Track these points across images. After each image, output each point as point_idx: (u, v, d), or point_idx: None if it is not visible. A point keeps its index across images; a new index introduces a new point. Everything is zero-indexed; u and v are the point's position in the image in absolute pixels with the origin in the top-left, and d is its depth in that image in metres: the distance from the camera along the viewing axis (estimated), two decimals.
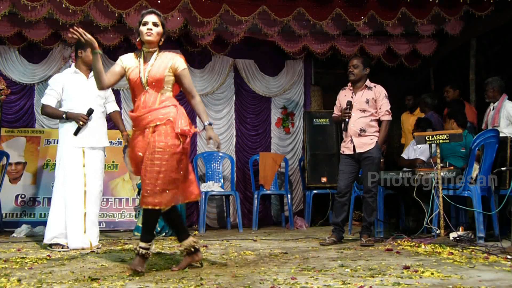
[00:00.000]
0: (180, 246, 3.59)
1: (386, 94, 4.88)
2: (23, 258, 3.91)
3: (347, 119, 4.82)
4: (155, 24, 3.42)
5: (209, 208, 6.93)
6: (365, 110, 4.80)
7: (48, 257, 3.98)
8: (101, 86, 3.46)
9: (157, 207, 3.25)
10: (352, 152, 4.82)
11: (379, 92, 4.84)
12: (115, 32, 6.33)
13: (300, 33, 6.53)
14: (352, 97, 4.89)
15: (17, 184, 6.40)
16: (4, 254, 4.17)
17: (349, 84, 4.98)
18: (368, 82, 4.91)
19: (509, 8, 5.88)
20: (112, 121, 5.11)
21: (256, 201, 6.62)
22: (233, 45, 6.81)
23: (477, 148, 4.87)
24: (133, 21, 5.80)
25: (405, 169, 5.45)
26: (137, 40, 3.48)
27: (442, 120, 6.12)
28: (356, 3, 6.18)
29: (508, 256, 3.72)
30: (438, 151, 4.77)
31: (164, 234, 5.71)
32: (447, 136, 4.71)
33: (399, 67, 7.31)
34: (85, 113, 4.59)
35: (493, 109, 5.61)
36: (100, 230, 4.84)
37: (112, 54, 6.89)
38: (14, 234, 5.74)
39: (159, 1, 5.76)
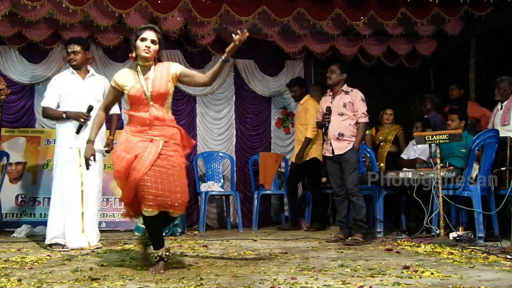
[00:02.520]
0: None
1: (363, 97, 5.09)
2: (23, 258, 3.91)
3: (327, 124, 5.08)
4: (153, 42, 3.42)
5: (209, 208, 6.93)
6: (343, 114, 5.06)
7: (48, 257, 3.99)
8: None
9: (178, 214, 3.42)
10: (332, 155, 5.08)
11: (355, 95, 5.08)
12: (115, 32, 6.33)
13: (300, 33, 6.53)
14: (331, 102, 5.14)
15: (17, 184, 6.39)
16: (4, 254, 4.18)
17: (329, 90, 5.23)
18: (345, 87, 5.14)
19: (509, 8, 5.88)
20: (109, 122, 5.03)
21: (256, 201, 6.62)
22: None
23: (476, 148, 4.87)
24: (133, 21, 5.79)
25: (405, 169, 5.45)
26: (131, 53, 3.47)
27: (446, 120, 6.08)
28: (356, 3, 6.18)
29: (508, 256, 3.72)
30: (438, 151, 4.78)
31: (164, 234, 5.71)
32: (447, 136, 4.72)
33: (399, 67, 7.31)
34: (84, 111, 4.59)
35: (501, 108, 5.59)
36: (100, 230, 4.83)
37: (112, 54, 6.89)
38: (14, 234, 5.74)
39: (159, 1, 5.75)
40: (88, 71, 4.82)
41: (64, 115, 4.62)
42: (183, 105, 7.18)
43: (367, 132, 6.66)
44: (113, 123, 4.98)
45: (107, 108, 3.62)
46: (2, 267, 3.48)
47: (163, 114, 3.39)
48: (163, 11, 5.78)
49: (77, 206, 4.53)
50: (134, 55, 3.46)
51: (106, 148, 4.83)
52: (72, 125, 4.62)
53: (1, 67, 6.65)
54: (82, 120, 4.56)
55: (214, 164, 7.04)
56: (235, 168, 7.08)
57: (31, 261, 3.78)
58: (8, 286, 2.82)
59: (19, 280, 2.97)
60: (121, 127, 5.79)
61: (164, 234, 5.63)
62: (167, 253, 3.37)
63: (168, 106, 3.45)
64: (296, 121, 6.71)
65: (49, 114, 4.76)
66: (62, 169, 4.58)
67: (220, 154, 7.14)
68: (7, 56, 6.66)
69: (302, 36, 6.70)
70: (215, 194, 6.77)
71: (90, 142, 3.56)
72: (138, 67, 3.45)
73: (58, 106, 4.75)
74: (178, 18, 6.03)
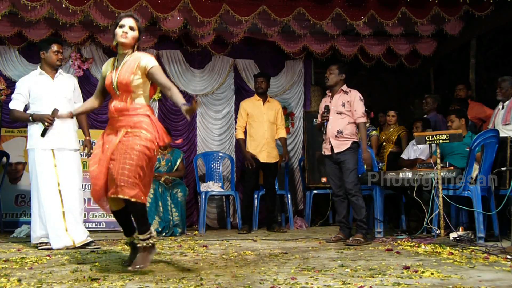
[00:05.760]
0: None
1: (361, 98, 5.11)
2: (23, 258, 3.91)
3: (325, 122, 5.11)
4: (131, 28, 3.38)
5: (209, 208, 6.92)
6: (341, 113, 5.09)
7: (48, 257, 3.98)
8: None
9: (140, 200, 3.21)
10: (330, 153, 5.09)
11: (353, 96, 5.11)
12: None
13: (300, 33, 6.53)
14: (330, 101, 5.18)
15: (17, 184, 6.40)
16: (4, 254, 4.18)
17: (328, 91, 5.27)
18: (344, 87, 5.16)
19: (509, 8, 5.87)
20: (78, 123, 4.91)
21: (256, 201, 6.60)
22: (233, 45, 6.81)
23: (477, 148, 4.87)
24: None
25: (405, 169, 5.45)
26: (114, 44, 3.44)
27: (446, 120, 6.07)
28: (356, 3, 6.18)
29: (508, 256, 3.72)
30: (438, 151, 4.78)
31: (164, 234, 5.71)
32: (447, 136, 4.72)
33: (399, 67, 7.31)
34: (50, 114, 4.54)
35: (502, 108, 5.59)
36: (100, 230, 4.83)
37: (112, 54, 6.86)
38: (14, 234, 5.74)
39: (159, 1, 5.75)
40: (56, 71, 4.79)
41: (30, 117, 4.60)
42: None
43: (374, 132, 6.67)
44: (83, 123, 4.87)
45: (97, 95, 3.61)
46: (2, 267, 3.48)
47: (126, 105, 3.31)
48: (163, 11, 5.78)
49: (57, 207, 4.50)
50: (114, 43, 3.43)
51: (86, 151, 4.81)
52: (42, 126, 4.59)
53: (1, 67, 6.64)
54: (46, 124, 4.53)
55: (214, 164, 7.04)
56: (235, 168, 7.08)
57: (31, 261, 3.78)
58: (8, 286, 2.82)
59: (19, 280, 2.97)
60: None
61: (164, 234, 5.68)
62: (151, 236, 3.28)
63: (135, 97, 3.34)
64: (264, 117, 6.33)
65: (16, 117, 4.75)
66: (38, 171, 4.55)
67: (220, 154, 7.14)
68: (7, 56, 6.65)
69: (302, 36, 6.70)
70: (215, 194, 6.77)
71: (70, 113, 3.74)
72: (118, 55, 3.45)
73: (28, 108, 4.72)
74: (178, 18, 6.03)
